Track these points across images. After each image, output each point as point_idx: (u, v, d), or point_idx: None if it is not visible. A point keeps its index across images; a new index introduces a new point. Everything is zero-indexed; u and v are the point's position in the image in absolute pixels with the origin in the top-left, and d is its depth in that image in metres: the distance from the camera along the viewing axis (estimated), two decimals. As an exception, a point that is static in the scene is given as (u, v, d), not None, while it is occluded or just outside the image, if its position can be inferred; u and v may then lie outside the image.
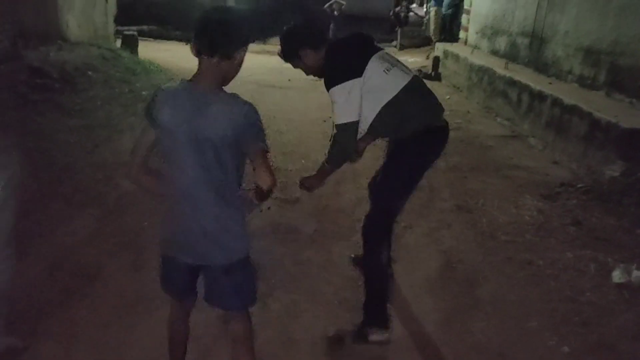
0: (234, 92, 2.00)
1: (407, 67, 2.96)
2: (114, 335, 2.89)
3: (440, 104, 3.01)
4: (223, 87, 2.03)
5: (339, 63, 2.81)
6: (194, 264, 2.14)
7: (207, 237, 2.06)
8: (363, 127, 2.82)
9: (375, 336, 2.92)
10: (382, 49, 2.94)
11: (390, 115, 2.78)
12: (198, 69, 1.99)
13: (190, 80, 2.00)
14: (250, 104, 1.98)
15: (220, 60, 1.96)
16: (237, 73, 2.06)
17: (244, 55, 2.04)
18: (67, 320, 2.98)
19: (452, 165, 5.84)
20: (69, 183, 4.66)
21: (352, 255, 3.74)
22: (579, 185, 5.13)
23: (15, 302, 3.02)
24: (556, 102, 6.46)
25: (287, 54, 2.93)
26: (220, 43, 1.94)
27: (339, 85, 2.71)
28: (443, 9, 14.37)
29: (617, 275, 3.64)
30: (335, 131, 2.81)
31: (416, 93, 2.87)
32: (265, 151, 1.98)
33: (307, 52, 2.86)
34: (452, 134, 6.81)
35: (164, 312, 2.94)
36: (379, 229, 2.99)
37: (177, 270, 2.20)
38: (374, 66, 2.77)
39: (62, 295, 3.18)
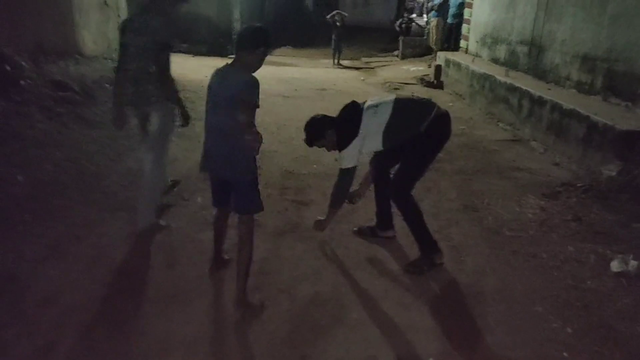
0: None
1: (389, 96, 3.90)
2: (156, 324, 3.16)
3: (430, 99, 3.95)
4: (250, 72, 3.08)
5: (344, 135, 3.77)
6: (220, 178, 3.30)
7: (224, 159, 3.13)
8: (373, 149, 3.92)
9: (438, 259, 3.92)
10: (365, 102, 3.90)
11: (394, 131, 3.72)
12: (234, 59, 3.16)
13: (229, 64, 3.15)
14: (252, 77, 3.01)
15: (243, 53, 3.10)
16: (259, 64, 3.16)
17: (264, 53, 3.14)
18: (111, 311, 3.26)
19: (458, 169, 6.13)
20: (98, 189, 4.95)
21: (355, 229, 4.49)
22: (579, 185, 5.41)
23: (60, 297, 3.32)
24: (555, 107, 6.76)
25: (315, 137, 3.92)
26: (240, 43, 3.11)
27: (348, 148, 3.73)
28: (448, 19, 14.80)
29: (615, 265, 3.92)
30: (340, 174, 3.85)
31: (405, 104, 3.87)
32: (254, 104, 2.95)
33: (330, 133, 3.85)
34: (456, 139, 7.16)
35: (199, 304, 3.28)
36: (406, 194, 3.86)
37: (214, 184, 3.43)
38: (365, 118, 3.74)
39: (103, 290, 3.46)
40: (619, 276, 3.82)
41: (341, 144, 3.78)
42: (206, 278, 3.66)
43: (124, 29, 4.11)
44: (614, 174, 5.27)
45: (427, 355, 3.00)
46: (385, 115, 3.73)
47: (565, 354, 3.04)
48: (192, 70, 11.99)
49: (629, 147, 5.30)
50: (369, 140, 3.75)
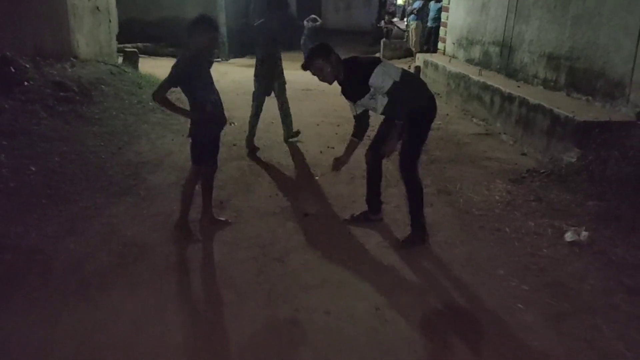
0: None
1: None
2: (168, 286, 3.65)
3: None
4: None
5: (352, 77, 4.18)
6: (218, 133, 4.37)
7: (222, 108, 4.25)
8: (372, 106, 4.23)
9: (427, 237, 4.39)
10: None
11: (399, 94, 4.00)
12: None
13: None
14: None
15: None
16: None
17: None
18: (129, 275, 3.73)
19: (433, 159, 6.66)
20: (104, 178, 5.40)
21: (347, 217, 4.84)
22: (542, 171, 5.96)
23: (82, 265, 3.78)
24: (523, 102, 7.33)
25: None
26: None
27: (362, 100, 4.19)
28: (428, 23, 15.47)
29: (569, 236, 4.46)
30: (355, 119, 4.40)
31: (410, 75, 4.46)
32: None
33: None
34: (433, 133, 7.76)
35: (203, 272, 3.79)
36: (412, 168, 4.27)
37: (215, 143, 4.36)
38: (376, 71, 4.00)
39: (119, 259, 3.93)
40: (572, 245, 4.36)
41: (345, 86, 4.26)
42: (208, 249, 4.15)
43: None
44: (573, 160, 5.82)
45: (403, 305, 3.50)
46: (395, 74, 4.03)
47: (520, 305, 3.55)
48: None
49: (586, 135, 5.86)
50: (376, 98, 4.09)
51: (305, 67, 4.15)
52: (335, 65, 4.11)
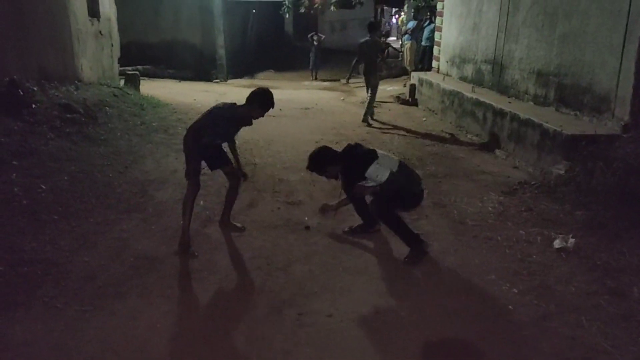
0: None
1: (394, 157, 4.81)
2: (179, 294, 3.89)
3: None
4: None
5: (351, 171, 4.57)
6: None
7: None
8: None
9: (425, 247, 4.56)
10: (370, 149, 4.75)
11: (393, 181, 4.37)
12: None
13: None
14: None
15: None
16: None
17: None
18: (142, 284, 3.95)
19: (429, 173, 6.90)
20: (113, 195, 5.63)
21: (346, 229, 5.07)
22: (533, 183, 6.22)
23: (97, 276, 4.00)
24: (514, 117, 7.60)
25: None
26: None
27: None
28: (422, 42, 15.87)
29: (557, 243, 4.70)
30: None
31: (407, 167, 4.70)
32: None
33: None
34: (428, 149, 7.95)
35: (211, 281, 4.01)
36: (382, 211, 4.54)
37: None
38: (372, 167, 4.40)
39: (131, 270, 4.15)
40: (559, 251, 4.59)
41: (347, 178, 4.68)
42: (215, 260, 4.38)
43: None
44: (562, 172, 6.07)
45: (402, 309, 3.72)
46: (392, 164, 4.47)
47: (510, 307, 3.78)
48: (181, 94, 12.73)
49: (574, 148, 6.11)
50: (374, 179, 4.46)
51: (311, 170, 4.73)
52: (337, 167, 4.62)
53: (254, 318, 3.59)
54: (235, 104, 4.68)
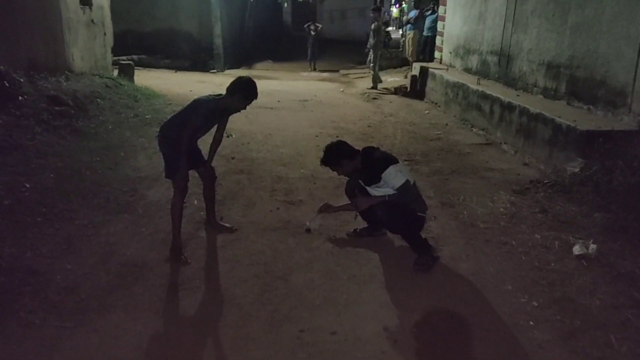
0: None
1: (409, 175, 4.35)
2: (170, 307, 3.55)
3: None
4: None
5: (369, 170, 4.24)
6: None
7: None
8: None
9: (434, 252, 4.32)
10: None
11: (413, 190, 4.21)
12: None
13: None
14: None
15: None
16: None
17: None
18: (128, 295, 3.62)
19: (435, 170, 6.58)
20: (101, 194, 5.28)
21: (350, 231, 4.78)
22: (546, 181, 5.89)
23: (80, 287, 3.67)
24: (523, 111, 7.26)
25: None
26: None
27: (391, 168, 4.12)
28: (424, 32, 15.47)
29: (577, 249, 4.37)
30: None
31: (417, 190, 4.34)
32: None
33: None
34: (433, 144, 7.67)
35: (205, 291, 3.68)
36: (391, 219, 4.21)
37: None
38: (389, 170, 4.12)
39: (118, 280, 3.81)
40: (580, 258, 4.27)
41: (361, 176, 4.32)
42: (210, 267, 4.05)
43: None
44: (577, 170, 5.74)
45: (411, 325, 3.40)
46: (410, 176, 4.22)
47: (531, 322, 3.46)
48: (177, 84, 12.35)
49: (589, 145, 5.79)
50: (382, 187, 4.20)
51: (325, 164, 4.34)
52: (353, 163, 4.27)
53: (251, 336, 3.26)
54: (220, 95, 4.33)
